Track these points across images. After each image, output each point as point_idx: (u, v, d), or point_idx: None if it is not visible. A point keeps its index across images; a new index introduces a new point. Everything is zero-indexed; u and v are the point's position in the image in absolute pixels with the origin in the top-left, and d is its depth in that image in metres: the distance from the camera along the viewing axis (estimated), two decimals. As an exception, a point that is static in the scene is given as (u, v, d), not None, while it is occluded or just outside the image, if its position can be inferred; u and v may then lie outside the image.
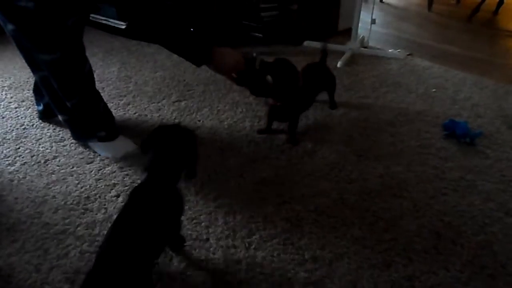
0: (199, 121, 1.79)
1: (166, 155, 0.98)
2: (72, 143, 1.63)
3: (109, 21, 2.82)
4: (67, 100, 1.45)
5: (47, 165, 1.51)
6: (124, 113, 1.85)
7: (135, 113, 1.85)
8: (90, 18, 2.84)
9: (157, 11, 1.30)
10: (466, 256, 1.13)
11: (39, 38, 1.29)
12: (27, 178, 1.44)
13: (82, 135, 1.58)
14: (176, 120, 1.79)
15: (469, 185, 1.40)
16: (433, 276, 1.07)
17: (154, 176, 0.97)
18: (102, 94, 1.97)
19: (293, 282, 1.06)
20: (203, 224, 1.24)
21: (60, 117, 1.56)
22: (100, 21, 2.86)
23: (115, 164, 1.51)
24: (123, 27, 2.75)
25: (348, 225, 1.23)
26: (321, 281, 1.06)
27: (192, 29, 1.36)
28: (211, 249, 1.15)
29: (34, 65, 1.45)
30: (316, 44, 2.62)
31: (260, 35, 2.64)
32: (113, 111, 1.85)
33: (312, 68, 1.79)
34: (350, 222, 1.25)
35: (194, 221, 1.25)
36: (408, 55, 2.49)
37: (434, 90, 2.06)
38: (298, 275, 1.07)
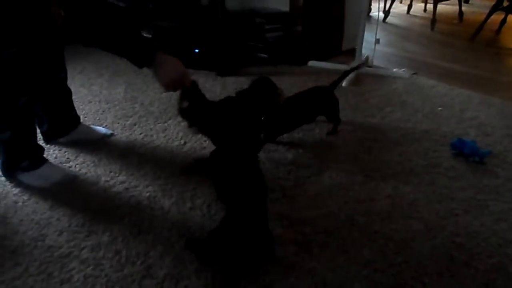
0: (205, 141, 1.78)
1: None
2: (77, 164, 1.63)
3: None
4: None
5: (52, 186, 1.50)
6: (130, 134, 1.85)
7: (140, 134, 1.85)
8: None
9: (99, 8, 1.24)
10: (480, 279, 1.10)
11: None
12: (31, 200, 1.43)
13: (6, 170, 1.53)
14: (182, 141, 1.79)
15: (480, 205, 1.37)
16: (447, 300, 1.04)
17: None
18: (107, 115, 2.00)
19: (303, 307, 1.03)
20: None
21: None
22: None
23: (120, 185, 1.49)
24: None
25: (358, 248, 1.21)
26: (332, 306, 1.03)
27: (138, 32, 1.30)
28: (218, 272, 1.12)
29: None
30: (321, 64, 2.64)
31: (265, 55, 2.66)
32: (119, 132, 1.86)
33: (314, 92, 1.80)
34: (360, 244, 1.22)
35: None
36: (413, 74, 2.49)
37: (440, 108, 2.05)
38: (308, 300, 1.04)
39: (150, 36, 2.70)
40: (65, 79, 1.68)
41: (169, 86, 1.27)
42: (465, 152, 1.60)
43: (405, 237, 1.24)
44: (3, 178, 1.53)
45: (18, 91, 1.40)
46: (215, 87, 2.33)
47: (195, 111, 1.28)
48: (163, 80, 1.26)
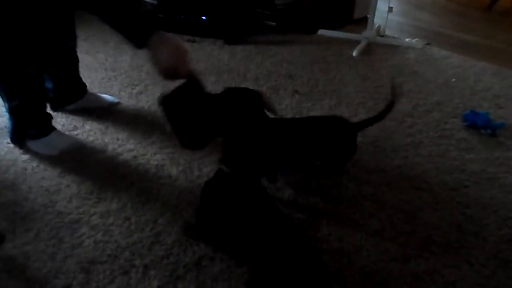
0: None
1: None
2: (84, 132, 1.62)
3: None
4: (8, 101, 1.41)
5: (60, 154, 1.50)
6: (137, 102, 1.83)
7: (147, 102, 1.83)
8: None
9: None
10: (489, 250, 1.10)
11: None
12: (41, 167, 1.43)
13: (15, 137, 1.52)
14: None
15: (491, 177, 1.36)
16: (455, 270, 1.04)
17: None
18: (114, 83, 1.98)
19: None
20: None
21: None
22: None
23: (128, 153, 1.49)
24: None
25: (366, 217, 1.21)
26: (340, 273, 1.03)
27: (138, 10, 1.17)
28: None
29: None
30: (331, 33, 2.58)
31: (273, 23, 2.60)
32: (126, 100, 1.84)
33: (330, 122, 1.31)
34: (368, 214, 1.22)
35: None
36: (426, 44, 2.43)
37: (453, 80, 2.00)
38: (316, 268, 1.05)
39: (155, 3, 2.64)
40: (74, 47, 1.66)
41: (164, 74, 1.14)
42: (478, 124, 1.57)
43: (413, 208, 1.24)
44: (12, 145, 1.53)
45: (27, 59, 1.38)
46: (222, 56, 2.29)
47: (181, 105, 1.08)
48: (157, 65, 1.13)
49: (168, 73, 1.13)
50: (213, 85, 1.96)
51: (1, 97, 1.43)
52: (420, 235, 1.14)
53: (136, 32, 1.13)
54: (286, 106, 1.78)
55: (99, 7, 1.15)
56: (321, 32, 2.60)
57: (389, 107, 1.27)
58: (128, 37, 1.15)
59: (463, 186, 1.32)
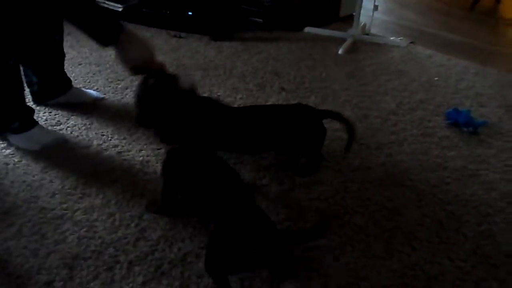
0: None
1: None
2: (68, 127, 1.60)
3: (105, 3, 2.75)
4: None
5: (43, 149, 1.48)
6: (122, 98, 1.81)
7: (132, 97, 1.81)
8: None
9: None
10: (469, 245, 1.12)
11: None
12: (23, 162, 1.41)
13: None
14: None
15: (472, 174, 1.39)
16: (436, 265, 1.06)
17: None
18: (98, 78, 1.96)
19: (296, 270, 1.04)
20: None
21: None
22: (97, 3, 2.79)
23: (113, 149, 1.48)
24: (120, 9, 2.69)
25: (350, 214, 1.22)
26: (323, 269, 1.04)
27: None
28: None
29: None
30: (318, 31, 2.59)
31: (260, 20, 2.60)
32: (110, 95, 1.82)
33: (295, 110, 1.36)
34: (352, 210, 1.23)
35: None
36: (410, 43, 2.46)
37: (436, 78, 2.03)
38: (302, 263, 1.06)
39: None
40: (60, 41, 1.63)
41: (133, 70, 1.20)
42: (460, 122, 1.60)
43: (397, 205, 1.26)
44: (-7, 140, 1.50)
45: (9, 52, 1.35)
46: (208, 52, 2.28)
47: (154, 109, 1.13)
48: (127, 62, 1.18)
49: (137, 69, 1.18)
50: (199, 82, 1.96)
51: None
52: (403, 231, 1.16)
53: (104, 30, 1.18)
54: (272, 103, 1.79)
55: (65, 8, 1.19)
56: (307, 29, 2.61)
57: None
58: (94, 35, 1.19)
59: (444, 183, 1.35)
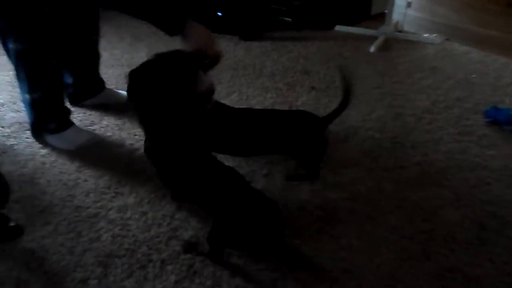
0: (229, 106, 1.76)
1: None
2: (102, 127, 1.63)
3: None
4: (30, 93, 1.42)
5: (78, 149, 1.51)
6: (153, 98, 1.83)
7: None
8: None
9: None
10: (512, 248, 1.07)
11: (10, 26, 1.29)
12: (59, 161, 1.45)
13: (35, 130, 1.53)
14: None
15: (514, 174, 1.33)
16: (476, 268, 1.02)
17: None
18: (131, 79, 1.99)
19: (330, 270, 1.02)
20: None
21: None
22: None
23: (145, 148, 1.50)
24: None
25: (385, 214, 1.18)
26: (358, 270, 1.02)
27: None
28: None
29: (8, 54, 1.41)
30: (348, 29, 2.55)
31: (289, 19, 2.58)
32: (143, 96, 1.84)
33: (297, 116, 1.30)
34: (387, 211, 1.20)
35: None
36: (445, 39, 2.38)
37: (474, 76, 1.96)
38: (335, 263, 1.04)
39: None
40: (97, 41, 1.67)
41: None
42: (500, 120, 1.53)
43: (434, 205, 1.21)
44: (30, 140, 1.55)
45: (51, 52, 1.39)
46: (238, 52, 2.28)
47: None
48: (191, 48, 1.25)
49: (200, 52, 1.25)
50: (228, 82, 1.96)
51: (22, 89, 1.44)
52: (441, 232, 1.12)
53: (172, 21, 1.26)
54: (302, 103, 1.77)
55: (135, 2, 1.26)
56: (338, 28, 2.57)
57: (347, 94, 1.24)
58: (164, 27, 1.28)
59: (485, 183, 1.29)
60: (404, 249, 1.08)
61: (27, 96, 1.43)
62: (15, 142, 1.54)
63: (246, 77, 2.00)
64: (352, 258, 1.05)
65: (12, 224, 1.16)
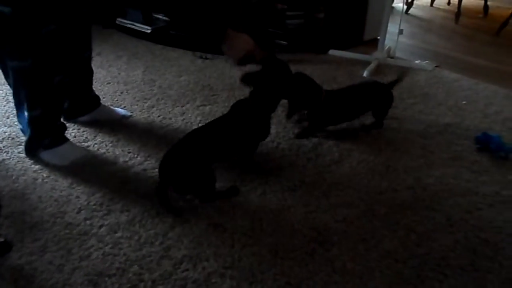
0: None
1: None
2: (96, 143, 1.62)
3: (134, 25, 2.84)
4: (30, 110, 1.41)
5: (71, 165, 1.50)
6: (148, 116, 1.84)
7: (159, 116, 1.84)
8: (116, 22, 2.90)
9: None
10: (505, 274, 1.07)
11: (12, 43, 1.29)
12: (51, 177, 1.43)
13: (30, 147, 1.51)
14: (200, 125, 1.77)
15: (505, 200, 1.34)
16: (470, 295, 1.02)
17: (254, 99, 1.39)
18: (126, 97, 2.00)
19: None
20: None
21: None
22: (126, 25, 2.88)
23: (138, 166, 1.49)
24: (148, 31, 2.76)
25: (378, 238, 1.18)
26: (352, 295, 1.01)
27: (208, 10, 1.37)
28: (236, 255, 1.11)
29: (5, 71, 1.42)
30: (342, 53, 2.59)
31: (284, 42, 2.62)
32: (138, 113, 1.85)
33: (371, 86, 1.79)
34: (380, 234, 1.20)
35: (220, 228, 1.21)
36: (435, 66, 2.44)
37: (464, 102, 2.00)
38: (326, 286, 1.03)
39: (168, 20, 2.68)
40: (89, 58, 1.67)
41: (241, 61, 1.41)
42: (491, 146, 1.56)
43: (426, 230, 1.22)
44: (22, 155, 1.53)
45: (55, 69, 1.40)
46: (234, 72, 2.30)
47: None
48: (236, 55, 1.39)
49: (243, 60, 1.40)
50: (224, 101, 1.97)
51: (21, 106, 1.43)
52: (434, 257, 1.12)
53: (215, 32, 1.36)
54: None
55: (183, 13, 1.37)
56: (331, 52, 2.62)
57: (401, 75, 1.84)
58: (207, 36, 1.41)
59: (476, 208, 1.30)
60: (398, 273, 1.07)
61: (25, 113, 1.42)
62: (7, 157, 1.53)
63: (242, 97, 2.01)
64: (347, 283, 1.04)
65: (0, 240, 1.13)
